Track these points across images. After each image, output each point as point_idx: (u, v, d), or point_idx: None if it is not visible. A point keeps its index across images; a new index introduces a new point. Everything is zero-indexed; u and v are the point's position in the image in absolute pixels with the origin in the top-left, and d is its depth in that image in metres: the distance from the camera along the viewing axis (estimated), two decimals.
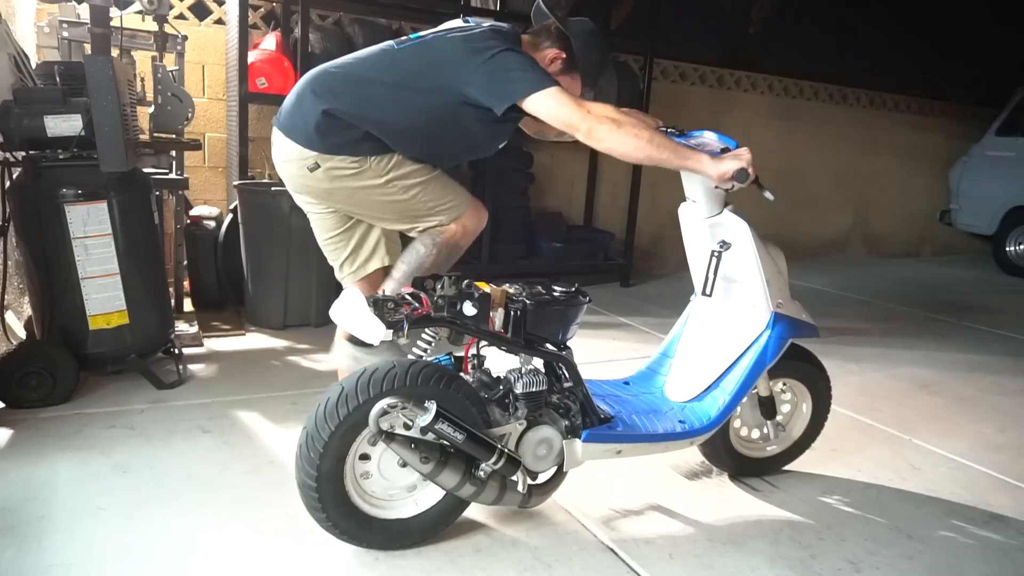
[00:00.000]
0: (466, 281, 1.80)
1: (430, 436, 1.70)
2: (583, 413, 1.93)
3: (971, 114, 8.11)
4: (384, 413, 1.65)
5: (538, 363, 1.92)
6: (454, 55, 1.94)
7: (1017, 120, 7.18)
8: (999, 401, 3.36)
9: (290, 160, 2.05)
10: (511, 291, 1.85)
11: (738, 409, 2.29)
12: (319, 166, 2.00)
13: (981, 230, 7.42)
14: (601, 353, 3.64)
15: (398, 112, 1.98)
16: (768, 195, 2.02)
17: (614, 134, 1.82)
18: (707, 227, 2.09)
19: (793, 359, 2.26)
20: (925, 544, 2.09)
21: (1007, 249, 7.19)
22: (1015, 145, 7.11)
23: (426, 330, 1.84)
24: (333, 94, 1.99)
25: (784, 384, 2.37)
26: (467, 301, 1.75)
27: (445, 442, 1.71)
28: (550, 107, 1.84)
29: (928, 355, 4.02)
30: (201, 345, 3.35)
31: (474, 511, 2.02)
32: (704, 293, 2.07)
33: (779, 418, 2.36)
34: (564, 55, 2.06)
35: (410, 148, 2.04)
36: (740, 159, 1.85)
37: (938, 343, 4.29)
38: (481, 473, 1.76)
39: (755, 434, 2.38)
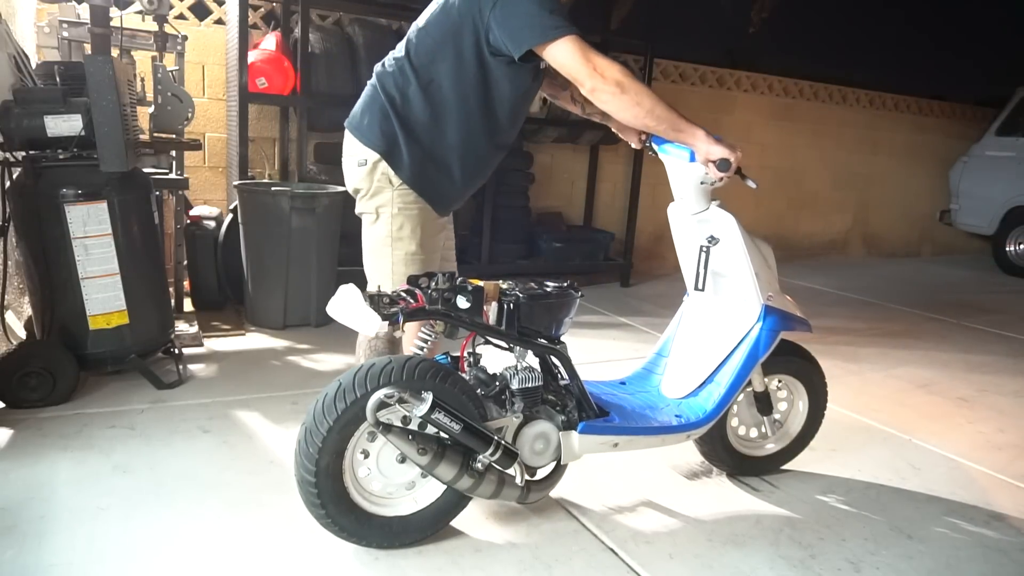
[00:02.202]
0: (460, 278, 1.82)
1: (429, 430, 1.72)
2: (579, 407, 1.94)
3: (971, 114, 8.12)
4: (382, 405, 1.66)
5: (533, 361, 1.94)
6: (468, 8, 1.92)
7: (1017, 120, 7.18)
8: (999, 401, 3.36)
9: (352, 156, 2.09)
10: (504, 286, 1.88)
11: (735, 407, 2.31)
12: (366, 162, 2.03)
13: (981, 230, 7.42)
14: (601, 353, 3.64)
15: (447, 84, 1.97)
16: (751, 183, 2.05)
17: (617, 98, 1.84)
18: (695, 223, 2.11)
19: (787, 355, 2.29)
20: (925, 544, 2.09)
21: (1007, 249, 7.19)
22: (1015, 145, 7.11)
23: (423, 329, 1.86)
24: (391, 97, 2.00)
25: (780, 381, 2.38)
26: (460, 295, 1.77)
27: (442, 434, 1.72)
28: (560, 56, 1.84)
29: (928, 355, 4.02)
30: (201, 345, 3.35)
31: (474, 511, 2.03)
32: (696, 288, 2.10)
33: (776, 415, 2.37)
34: None
35: (470, 132, 2.02)
36: (732, 150, 1.90)
37: (938, 343, 4.29)
38: (479, 465, 1.77)
39: (753, 432, 2.39)
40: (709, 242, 2.05)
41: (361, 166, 2.05)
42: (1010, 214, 7.13)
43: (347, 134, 2.12)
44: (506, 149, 2.19)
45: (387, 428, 1.68)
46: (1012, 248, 7.18)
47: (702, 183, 2.02)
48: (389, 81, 2.02)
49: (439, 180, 2.06)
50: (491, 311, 1.84)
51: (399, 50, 2.06)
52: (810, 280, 5.94)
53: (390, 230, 2.06)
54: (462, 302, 1.78)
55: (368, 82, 2.12)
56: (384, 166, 2.02)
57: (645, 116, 1.87)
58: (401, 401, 1.66)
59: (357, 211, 2.15)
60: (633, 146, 2.27)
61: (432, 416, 1.66)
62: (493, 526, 2.01)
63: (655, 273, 5.64)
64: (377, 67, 2.10)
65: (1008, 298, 5.99)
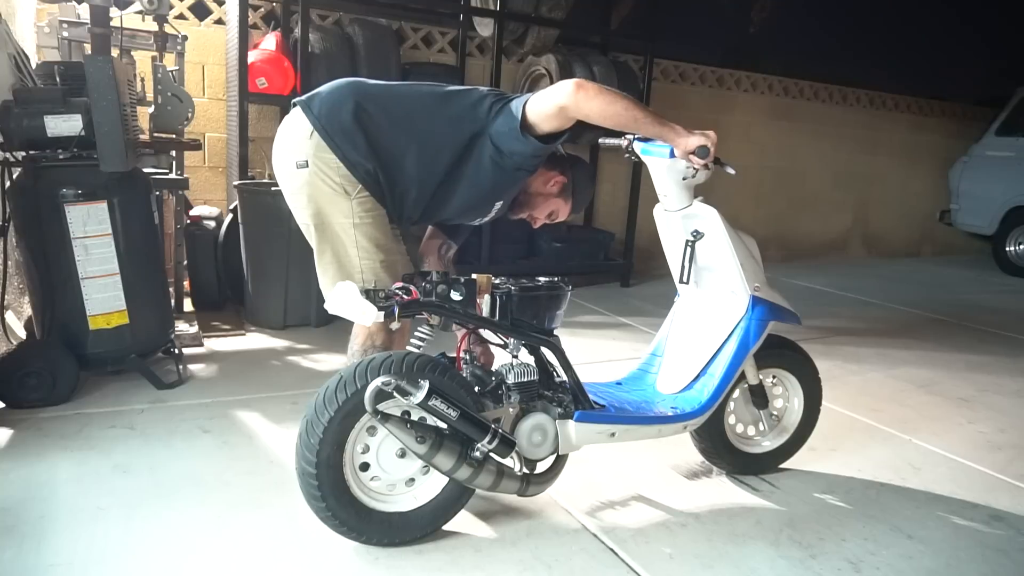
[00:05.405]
0: (453, 275, 1.85)
1: (428, 421, 1.75)
2: (575, 400, 1.96)
3: (971, 114, 8.12)
4: (380, 394, 1.67)
5: (529, 357, 1.95)
6: (481, 98, 2.05)
7: (1017, 120, 7.18)
8: (999, 401, 3.36)
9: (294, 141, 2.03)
10: (496, 280, 1.91)
11: (731, 404, 2.33)
12: (307, 166, 1.97)
13: (981, 230, 7.42)
14: (601, 353, 3.64)
15: (427, 127, 2.01)
16: (730, 170, 2.07)
17: (601, 95, 1.87)
18: (679, 219, 2.14)
19: (780, 348, 2.33)
20: (925, 544, 2.09)
21: (1007, 249, 7.19)
22: (1015, 145, 7.10)
23: (420, 328, 1.88)
24: (370, 97, 2.01)
25: (774, 377, 2.39)
26: (454, 288, 1.80)
27: (440, 424, 1.75)
28: (544, 97, 1.91)
29: (928, 355, 4.02)
30: (201, 345, 3.35)
31: (473, 511, 2.03)
32: (681, 281, 2.13)
33: (773, 411, 2.39)
34: (565, 180, 2.20)
35: (422, 182, 2.03)
36: (706, 137, 1.93)
37: (938, 343, 4.29)
38: (477, 454, 1.79)
39: (751, 430, 2.40)
40: (694, 236, 2.10)
41: (301, 168, 1.97)
42: (1010, 214, 7.13)
43: (299, 116, 2.00)
44: (432, 216, 2.20)
45: (385, 417, 1.70)
46: (1012, 248, 7.18)
47: (684, 179, 2.06)
48: (379, 93, 2.03)
49: (390, 191, 2.04)
50: (484, 304, 1.86)
51: (402, 86, 2.11)
52: (810, 280, 5.94)
53: (355, 241, 2.00)
54: (455, 295, 1.80)
55: (344, 80, 2.08)
56: (336, 163, 1.94)
57: (634, 107, 1.90)
58: (399, 390, 1.68)
59: (303, 221, 2.05)
60: None
61: (429, 403, 1.68)
62: (493, 526, 2.01)
63: (655, 273, 5.64)
64: (360, 79, 2.09)
65: (1008, 298, 5.99)
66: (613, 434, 2.00)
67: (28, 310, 3.01)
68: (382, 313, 1.67)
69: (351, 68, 4.19)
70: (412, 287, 1.78)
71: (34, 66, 3.08)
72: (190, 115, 3.36)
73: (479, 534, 1.97)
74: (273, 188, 3.63)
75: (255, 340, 3.53)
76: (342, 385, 1.73)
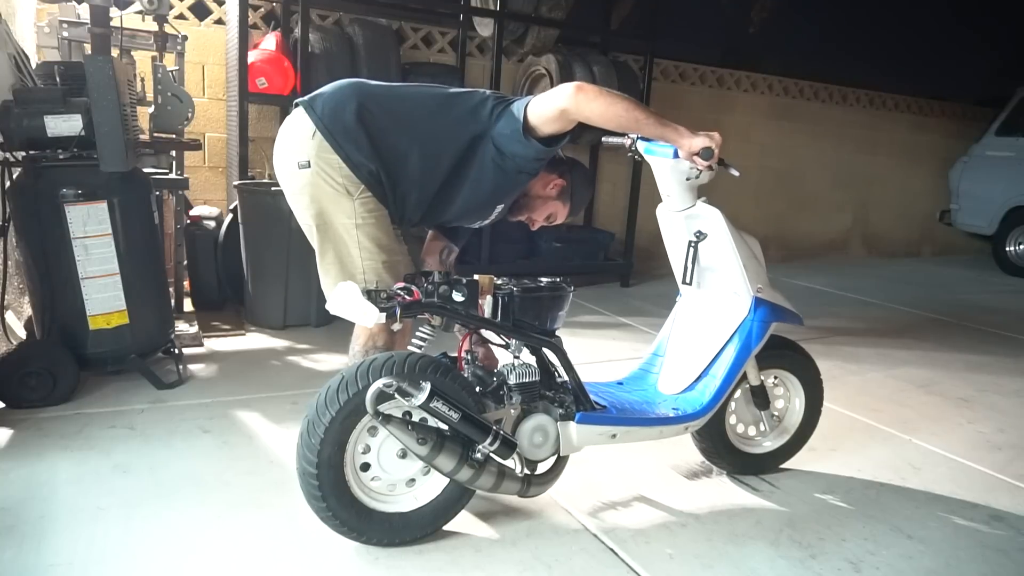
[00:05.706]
0: (455, 276, 1.85)
1: (429, 422, 1.75)
2: (576, 400, 1.96)
3: (971, 114, 8.11)
4: (381, 395, 1.68)
5: (530, 358, 1.95)
6: (483, 101, 2.05)
7: (1017, 120, 7.17)
8: (999, 401, 3.36)
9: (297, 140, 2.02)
10: (498, 281, 1.91)
11: (733, 404, 2.32)
12: (309, 166, 1.97)
13: (981, 230, 7.42)
14: (601, 353, 3.64)
15: (430, 129, 2.01)
16: (733, 171, 2.07)
17: (602, 96, 1.87)
18: (682, 219, 2.14)
19: (782, 349, 2.32)
20: (925, 544, 2.09)
21: (1007, 249, 7.19)
22: (1015, 145, 7.10)
23: (421, 328, 1.87)
24: (373, 98, 2.01)
25: (776, 378, 2.39)
26: (456, 289, 1.80)
27: (442, 425, 1.75)
28: (545, 100, 1.91)
29: (928, 355, 4.02)
30: (201, 345, 3.35)
31: (474, 511, 2.03)
32: (684, 282, 2.14)
33: (774, 412, 2.39)
34: (563, 183, 2.20)
35: (424, 183, 2.03)
36: (711, 139, 1.92)
37: (938, 343, 4.29)
38: (478, 455, 1.79)
39: (752, 430, 2.40)
40: (697, 237, 2.10)
41: (303, 168, 1.96)
42: (1010, 214, 7.13)
43: (301, 116, 1.99)
44: (433, 218, 2.19)
45: (387, 418, 1.70)
46: (1012, 248, 7.19)
47: (687, 179, 2.06)
48: (382, 94, 2.03)
49: (392, 192, 2.05)
50: (486, 305, 1.86)
51: (404, 87, 2.11)
52: (810, 280, 5.94)
53: (357, 241, 2.00)
54: (457, 296, 1.80)
55: (347, 80, 2.07)
56: (338, 163, 1.94)
57: (635, 108, 1.90)
58: (400, 392, 1.68)
59: (305, 222, 2.05)
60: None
61: (431, 404, 1.68)
62: (493, 526, 2.01)
63: (655, 273, 5.64)
64: (362, 80, 2.09)
65: (1008, 298, 5.99)
66: (614, 435, 2.00)
67: (28, 310, 3.01)
68: (384, 314, 1.67)
69: (351, 68, 4.19)
70: (414, 288, 1.77)
71: (34, 66, 3.08)
72: (190, 115, 3.36)
73: (479, 534, 1.97)
74: (273, 188, 3.63)
75: (255, 340, 3.53)
76: (344, 385, 1.73)
